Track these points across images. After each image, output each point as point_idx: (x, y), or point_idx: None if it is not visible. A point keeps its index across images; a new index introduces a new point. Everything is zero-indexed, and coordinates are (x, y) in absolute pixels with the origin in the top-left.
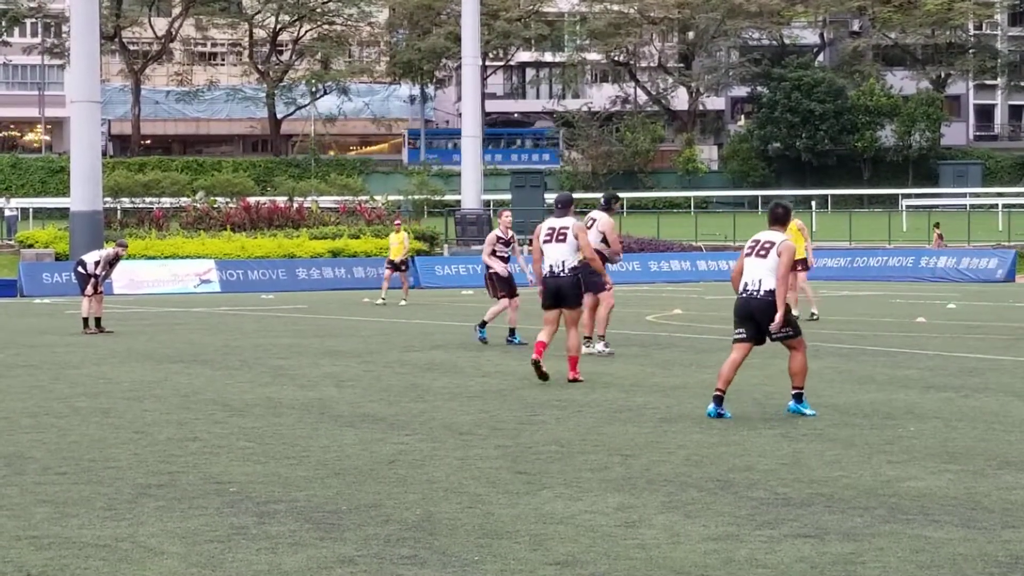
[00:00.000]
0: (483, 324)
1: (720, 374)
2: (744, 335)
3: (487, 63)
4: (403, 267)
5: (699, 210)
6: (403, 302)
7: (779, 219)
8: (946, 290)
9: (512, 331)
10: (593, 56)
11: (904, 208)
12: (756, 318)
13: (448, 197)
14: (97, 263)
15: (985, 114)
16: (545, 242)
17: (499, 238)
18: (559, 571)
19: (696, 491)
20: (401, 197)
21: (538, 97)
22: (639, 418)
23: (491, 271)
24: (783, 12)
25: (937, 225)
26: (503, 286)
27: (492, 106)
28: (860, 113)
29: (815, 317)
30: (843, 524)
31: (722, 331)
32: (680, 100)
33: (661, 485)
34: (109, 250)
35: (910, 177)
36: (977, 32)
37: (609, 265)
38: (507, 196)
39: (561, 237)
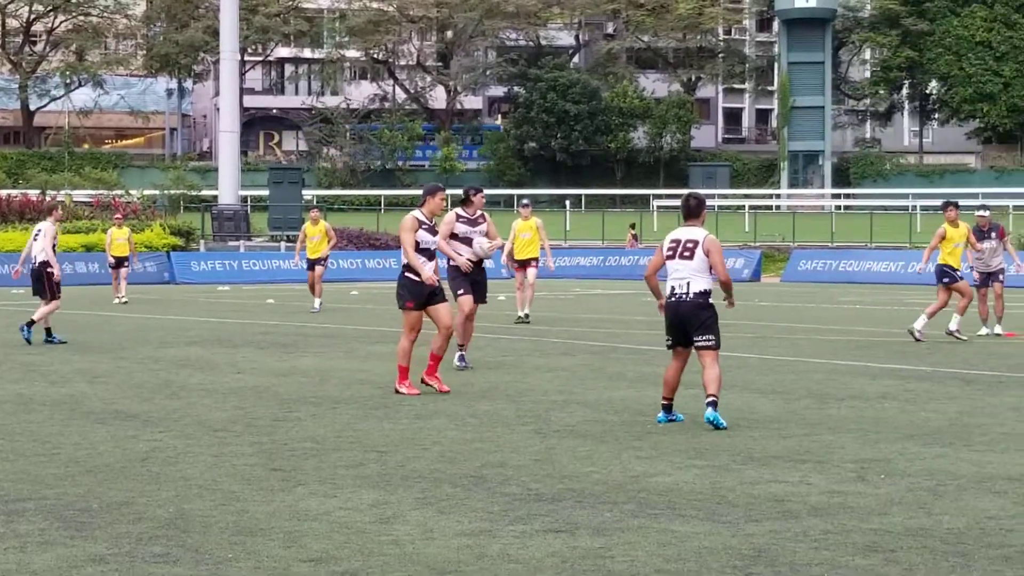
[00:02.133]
0: (48, 332)
1: (665, 382)
2: (671, 343)
3: (246, 58)
4: (125, 264)
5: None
6: (121, 301)
7: (693, 212)
8: None
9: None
10: (352, 53)
11: (655, 208)
12: (684, 322)
13: (205, 192)
14: None
15: (733, 117)
16: None
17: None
18: (313, 568)
19: (450, 487)
20: (157, 192)
21: (297, 93)
22: (395, 415)
23: (51, 270)
24: (539, 13)
25: (632, 226)
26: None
27: (250, 101)
28: (614, 114)
29: (526, 319)
30: (593, 519)
31: (478, 328)
32: (438, 99)
33: (415, 481)
34: None
35: (661, 178)
36: (726, 37)
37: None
38: (265, 192)
39: None
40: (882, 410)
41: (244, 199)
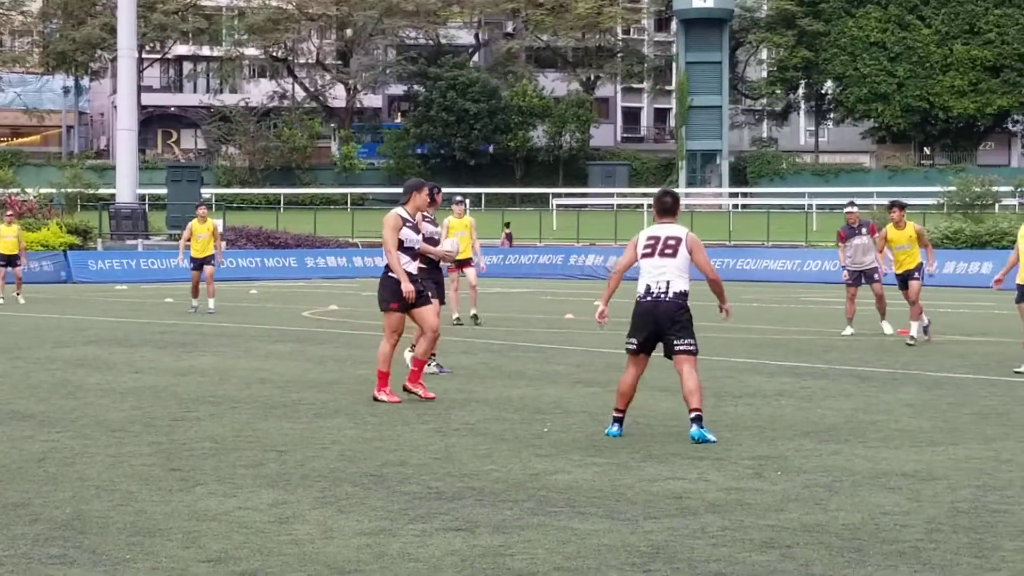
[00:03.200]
0: None
1: (620, 393)
2: (636, 346)
3: (144, 55)
4: (17, 263)
5: (355, 207)
6: (21, 300)
7: (670, 209)
8: (596, 288)
9: None
10: (251, 51)
11: (555, 207)
12: (661, 324)
13: (103, 191)
14: None
15: (632, 116)
16: None
17: None
18: (212, 568)
19: (350, 486)
20: (53, 190)
21: (195, 91)
22: (294, 414)
23: None
24: (439, 12)
25: (507, 225)
26: None
27: (148, 99)
28: (513, 113)
29: (476, 320)
30: (493, 517)
31: (378, 327)
32: (338, 97)
33: (315, 481)
34: None
35: (561, 177)
36: (625, 37)
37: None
38: (163, 190)
39: None
40: (779, 407)
41: (142, 197)
